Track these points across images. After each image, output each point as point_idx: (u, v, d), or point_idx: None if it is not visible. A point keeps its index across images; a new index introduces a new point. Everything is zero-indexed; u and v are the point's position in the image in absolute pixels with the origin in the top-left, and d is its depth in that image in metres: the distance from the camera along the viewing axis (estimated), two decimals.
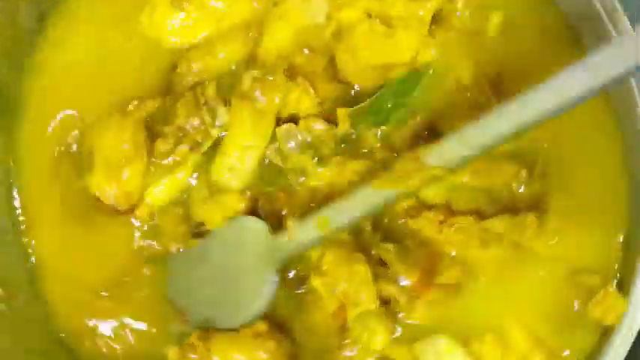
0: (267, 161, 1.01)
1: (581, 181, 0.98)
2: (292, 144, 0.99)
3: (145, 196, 1.01)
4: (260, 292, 0.95)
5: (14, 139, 1.07)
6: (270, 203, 1.00)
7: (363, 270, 0.94)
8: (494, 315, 0.96)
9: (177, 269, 1.02)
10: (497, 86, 0.99)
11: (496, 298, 0.96)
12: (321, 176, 0.99)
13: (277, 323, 0.98)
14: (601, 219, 0.97)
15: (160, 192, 1.01)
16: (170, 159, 1.00)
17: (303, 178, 1.00)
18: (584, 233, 0.97)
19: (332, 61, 1.01)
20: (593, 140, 0.98)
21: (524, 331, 0.94)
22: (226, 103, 1.00)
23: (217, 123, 0.99)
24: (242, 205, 1.00)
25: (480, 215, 0.96)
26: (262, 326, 0.95)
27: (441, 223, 0.96)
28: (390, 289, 0.94)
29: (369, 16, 0.98)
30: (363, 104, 1.01)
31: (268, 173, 1.01)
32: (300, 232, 0.93)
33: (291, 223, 0.93)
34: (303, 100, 1.00)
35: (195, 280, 1.00)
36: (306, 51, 1.01)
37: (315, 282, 0.96)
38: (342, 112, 1.00)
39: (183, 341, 0.96)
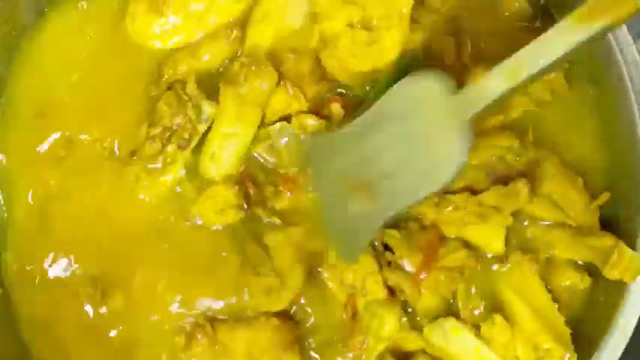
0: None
1: (568, 145, 0.99)
2: (285, 140, 1.00)
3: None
4: (454, 150, 0.82)
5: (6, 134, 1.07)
6: (259, 191, 1.00)
7: (368, 260, 0.95)
8: (501, 296, 0.96)
9: (340, 147, 0.93)
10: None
11: (503, 278, 0.96)
12: None
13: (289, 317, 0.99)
14: (592, 179, 0.99)
15: (155, 194, 1.02)
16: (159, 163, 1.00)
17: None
18: (581, 194, 0.96)
19: (318, 62, 1.02)
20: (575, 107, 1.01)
21: (532, 312, 0.93)
22: (209, 97, 1.00)
23: (203, 117, 0.99)
24: (231, 194, 0.99)
25: (474, 191, 0.96)
26: (275, 321, 0.96)
27: (437, 204, 0.95)
28: (394, 278, 0.94)
29: (351, 26, 0.99)
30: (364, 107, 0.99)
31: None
32: (489, 83, 0.79)
33: (478, 71, 0.87)
34: (293, 105, 1.00)
35: (368, 152, 0.90)
36: (291, 55, 1.01)
37: (325, 274, 0.97)
38: (335, 107, 1.00)
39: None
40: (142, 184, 1.01)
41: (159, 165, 1.00)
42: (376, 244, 0.97)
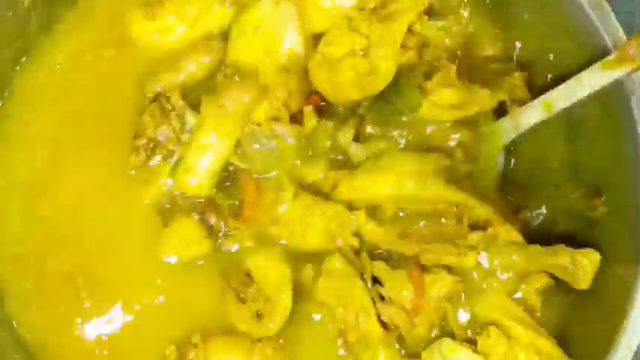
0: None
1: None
2: (257, 146, 0.98)
3: None
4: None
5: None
6: (222, 218, 0.99)
7: (361, 295, 0.94)
8: (489, 316, 0.95)
9: None
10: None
11: (484, 300, 0.96)
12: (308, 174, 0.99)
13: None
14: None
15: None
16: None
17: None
18: None
19: (304, 77, 1.01)
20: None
21: (522, 324, 0.94)
22: (194, 108, 0.99)
23: (187, 128, 0.98)
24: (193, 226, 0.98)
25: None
26: (269, 349, 0.95)
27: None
28: (388, 313, 0.94)
29: (353, 53, 0.99)
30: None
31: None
32: (525, 116, 0.98)
33: (514, 107, 0.99)
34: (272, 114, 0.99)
35: None
36: (277, 69, 1.00)
37: (312, 310, 0.97)
38: (308, 111, 0.99)
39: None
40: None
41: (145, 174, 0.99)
42: (364, 276, 0.95)
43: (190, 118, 0.98)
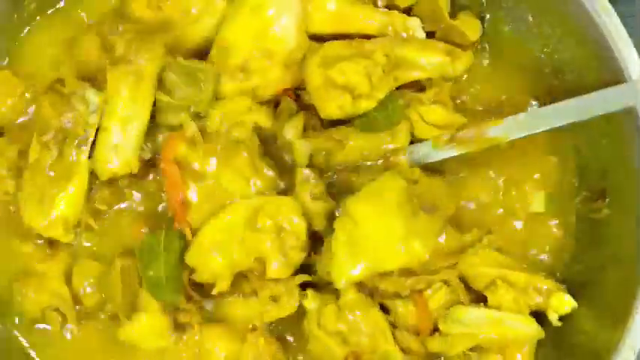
0: None
1: None
2: (177, 77, 0.92)
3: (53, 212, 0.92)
4: None
5: None
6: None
7: (378, 319, 0.93)
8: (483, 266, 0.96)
9: None
10: None
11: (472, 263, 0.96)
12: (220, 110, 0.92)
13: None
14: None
15: (68, 203, 0.92)
16: None
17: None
18: None
19: (286, 69, 0.96)
20: None
21: (514, 267, 0.97)
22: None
23: (92, 108, 0.91)
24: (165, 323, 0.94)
25: None
26: (262, 339, 0.95)
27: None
28: (401, 338, 0.94)
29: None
30: None
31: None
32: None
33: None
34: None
35: None
36: (259, 56, 0.94)
37: (319, 333, 0.93)
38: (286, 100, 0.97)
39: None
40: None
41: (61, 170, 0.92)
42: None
43: (94, 97, 0.91)
